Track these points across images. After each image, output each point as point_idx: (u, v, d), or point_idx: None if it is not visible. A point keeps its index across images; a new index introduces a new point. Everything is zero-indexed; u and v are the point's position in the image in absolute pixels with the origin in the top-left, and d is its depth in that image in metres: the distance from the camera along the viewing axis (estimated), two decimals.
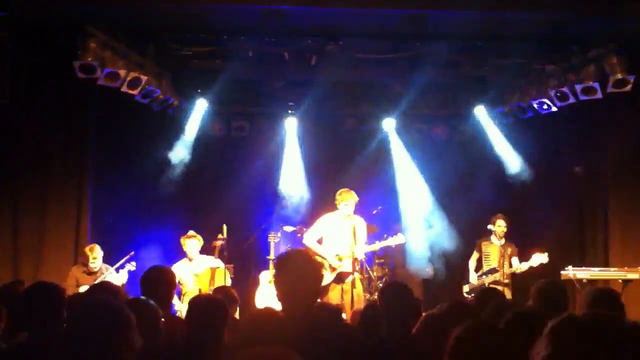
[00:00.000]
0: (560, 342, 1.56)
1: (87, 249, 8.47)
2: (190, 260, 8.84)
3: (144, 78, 8.48)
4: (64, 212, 8.90)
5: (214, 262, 8.70)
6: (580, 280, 8.34)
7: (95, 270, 8.39)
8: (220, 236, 8.71)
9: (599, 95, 8.55)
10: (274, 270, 3.51)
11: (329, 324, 3.55)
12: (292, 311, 3.20)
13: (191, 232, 8.98)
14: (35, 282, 4.35)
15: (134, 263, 8.54)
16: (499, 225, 9.14)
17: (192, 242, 8.86)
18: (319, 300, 3.84)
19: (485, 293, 5.08)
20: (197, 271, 8.71)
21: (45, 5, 7.57)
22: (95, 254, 8.38)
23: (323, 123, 10.98)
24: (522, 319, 2.65)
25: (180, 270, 8.51)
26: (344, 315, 7.38)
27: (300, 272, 3.29)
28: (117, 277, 8.38)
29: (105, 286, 4.90)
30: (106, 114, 9.39)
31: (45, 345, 3.40)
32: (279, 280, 3.38)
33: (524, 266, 8.83)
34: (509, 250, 9.08)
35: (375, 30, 8.53)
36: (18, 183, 8.80)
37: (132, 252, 8.69)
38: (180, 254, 9.07)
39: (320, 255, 8.45)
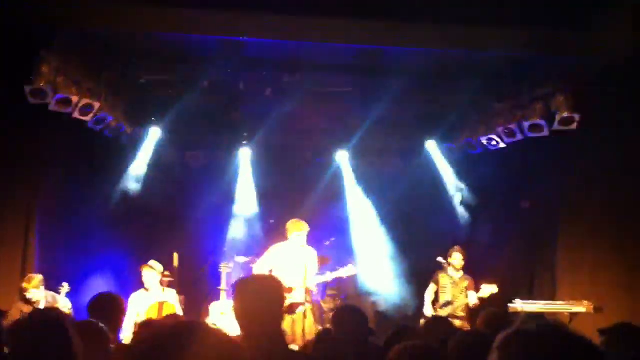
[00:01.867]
0: (509, 355, 1.60)
1: (24, 281, 8.18)
2: (147, 290, 8.55)
3: (97, 105, 8.39)
4: (10, 240, 8.66)
5: (169, 294, 8.50)
6: (528, 314, 8.46)
7: (35, 300, 8.07)
8: (167, 273, 8.55)
9: (546, 132, 8.78)
10: (232, 295, 3.30)
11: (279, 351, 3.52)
12: (252, 338, 3.11)
13: (151, 263, 8.60)
14: None
15: (65, 284, 8.24)
16: (455, 258, 9.24)
17: (148, 273, 8.58)
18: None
19: (432, 322, 5.14)
20: (152, 302, 8.47)
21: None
22: (34, 284, 8.05)
23: (277, 154, 11.04)
24: (469, 341, 2.71)
25: (137, 300, 8.29)
26: (294, 347, 7.34)
27: (262, 295, 3.16)
28: (61, 302, 8.10)
29: (44, 311, 4.79)
30: (57, 138, 9.22)
31: None
32: (239, 305, 3.20)
33: (473, 298, 8.92)
34: (466, 283, 9.15)
35: (330, 63, 8.66)
36: None
37: (64, 283, 8.35)
38: (130, 281, 8.90)
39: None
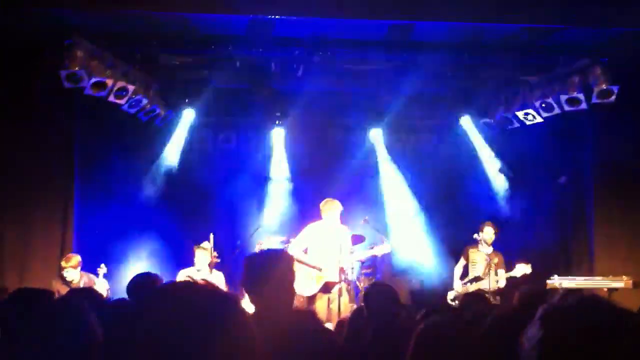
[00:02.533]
0: (552, 325, 1.57)
1: (63, 260, 8.36)
2: (198, 270, 8.69)
3: (131, 87, 8.47)
4: (49, 222, 8.84)
5: (217, 276, 8.63)
6: (565, 289, 8.37)
7: (72, 280, 8.24)
8: (215, 254, 8.67)
9: (584, 106, 8.63)
10: (242, 270, 3.29)
11: (305, 329, 3.53)
12: (266, 314, 3.12)
13: (204, 244, 8.79)
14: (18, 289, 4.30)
15: (103, 265, 8.40)
16: (487, 233, 9.15)
17: (201, 253, 8.70)
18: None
19: (468, 299, 5.10)
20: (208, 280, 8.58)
21: (30, 13, 7.54)
22: (72, 263, 8.23)
23: (310, 133, 11.00)
24: (504, 319, 2.67)
25: (186, 276, 8.42)
26: (329, 325, 7.37)
27: (270, 269, 3.16)
28: (99, 284, 8.25)
29: (79, 290, 4.88)
30: (92, 122, 9.35)
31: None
32: (250, 282, 3.20)
33: (502, 280, 8.83)
34: (496, 259, 9.07)
35: (362, 40, 8.59)
36: (2, 192, 8.73)
37: (102, 264, 8.49)
38: (167, 262, 9.02)
39: (307, 265, 8.44)
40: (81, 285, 8.10)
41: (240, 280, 3.26)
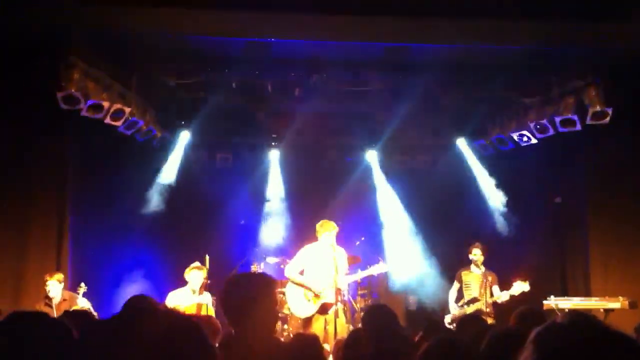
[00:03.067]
0: (545, 348, 1.59)
1: (47, 275, 8.24)
2: (193, 291, 8.59)
3: (127, 109, 8.49)
4: (45, 240, 8.78)
5: (206, 296, 8.56)
6: (562, 310, 8.36)
7: (54, 298, 8.09)
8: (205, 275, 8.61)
9: (578, 127, 8.68)
10: (222, 292, 3.26)
11: (308, 355, 3.52)
12: (245, 334, 3.09)
13: (197, 264, 8.63)
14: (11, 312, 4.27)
15: (82, 284, 8.26)
16: (475, 254, 9.17)
17: (197, 274, 8.51)
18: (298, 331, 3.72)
19: (465, 320, 5.09)
20: (191, 302, 8.50)
21: (26, 31, 7.55)
22: (57, 277, 8.06)
23: (306, 154, 11.04)
24: (502, 338, 2.68)
25: (176, 299, 8.35)
26: (326, 346, 7.34)
27: (250, 292, 3.13)
28: (80, 302, 8.09)
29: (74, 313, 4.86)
30: (88, 141, 9.33)
31: None
32: (228, 305, 3.17)
33: (504, 295, 8.83)
34: (490, 278, 9.08)
35: (358, 62, 8.64)
36: None
37: (82, 284, 8.40)
38: (162, 283, 8.98)
39: (303, 286, 8.42)
40: (60, 303, 7.97)
41: (220, 304, 3.22)
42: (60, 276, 8.15)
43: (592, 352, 1.52)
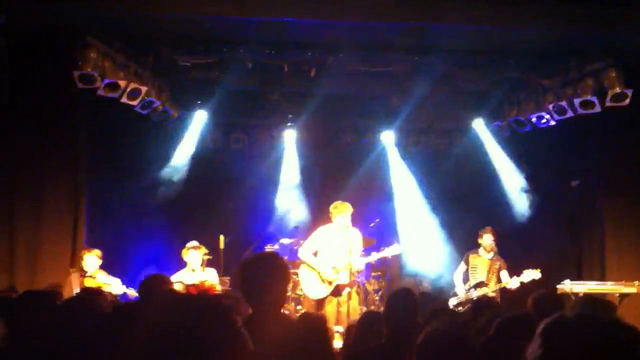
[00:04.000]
0: (552, 342, 1.58)
1: (85, 251, 8.47)
2: (192, 271, 8.70)
3: (144, 89, 8.50)
4: (60, 220, 8.81)
5: (210, 273, 8.63)
6: (576, 294, 8.31)
7: (89, 272, 8.30)
8: (206, 251, 8.68)
9: (597, 109, 8.57)
10: (238, 273, 3.37)
11: (313, 335, 3.55)
12: (262, 314, 3.17)
13: (194, 243, 8.82)
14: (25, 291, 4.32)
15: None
16: (486, 239, 9.12)
17: (194, 254, 8.73)
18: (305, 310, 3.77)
19: (479, 304, 5.07)
20: (194, 281, 8.60)
21: (43, 14, 7.56)
22: (95, 253, 8.37)
23: (321, 135, 11.02)
24: (514, 323, 2.67)
25: (181, 279, 8.43)
26: (339, 328, 7.37)
27: (269, 273, 3.24)
28: (115, 285, 8.25)
29: (89, 290, 4.93)
30: (104, 123, 9.37)
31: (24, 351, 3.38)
32: (246, 284, 3.27)
33: (514, 282, 8.77)
34: (498, 264, 9.04)
35: (374, 43, 8.57)
36: (13, 190, 8.72)
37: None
38: (177, 263, 9.04)
39: (315, 269, 8.44)
40: (99, 281, 8.14)
41: (238, 283, 3.30)
42: (97, 252, 8.42)
43: (598, 350, 1.51)
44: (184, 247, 8.77)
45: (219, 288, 8.28)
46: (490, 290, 8.84)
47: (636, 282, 8.33)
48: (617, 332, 1.55)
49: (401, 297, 4.45)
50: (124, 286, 8.25)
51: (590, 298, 4.09)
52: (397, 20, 7.83)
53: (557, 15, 7.73)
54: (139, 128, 9.69)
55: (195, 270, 8.59)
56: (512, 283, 8.79)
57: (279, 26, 7.91)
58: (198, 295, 1.70)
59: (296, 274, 8.74)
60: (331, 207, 8.64)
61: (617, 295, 8.33)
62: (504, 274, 8.99)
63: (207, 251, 8.74)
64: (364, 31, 8.25)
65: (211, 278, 8.52)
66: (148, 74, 8.69)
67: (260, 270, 3.27)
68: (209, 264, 8.85)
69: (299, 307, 9.41)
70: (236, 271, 3.31)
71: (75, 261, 8.63)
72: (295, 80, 9.54)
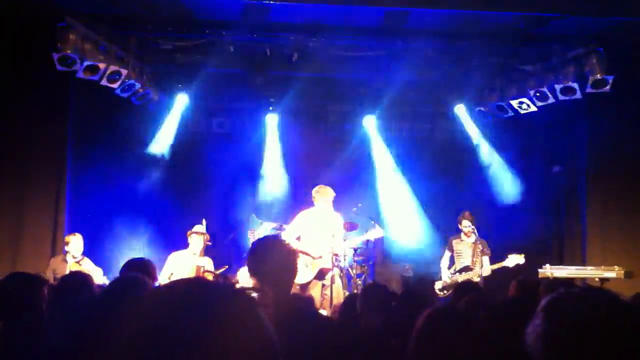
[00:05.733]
0: (555, 317, 1.58)
1: (68, 235, 8.42)
2: (193, 254, 8.71)
3: (124, 72, 8.42)
4: (41, 205, 8.77)
5: (206, 261, 8.66)
6: (557, 279, 8.38)
7: (74, 256, 8.27)
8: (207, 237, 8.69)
9: (578, 95, 8.63)
10: (251, 253, 3.41)
11: (304, 313, 3.56)
12: (273, 296, 3.20)
13: (198, 228, 8.77)
14: (10, 273, 4.28)
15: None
16: (465, 225, 9.16)
17: (198, 238, 8.70)
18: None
19: (460, 287, 5.11)
20: (192, 265, 8.62)
21: None
22: (78, 237, 8.31)
23: (304, 119, 10.99)
24: (503, 307, 2.68)
25: (176, 261, 8.49)
26: (324, 312, 7.38)
27: (279, 256, 3.29)
28: (96, 273, 8.20)
29: (75, 274, 4.89)
30: (85, 106, 9.27)
31: (17, 335, 3.36)
32: (257, 267, 3.31)
33: (486, 269, 8.84)
34: (480, 247, 9.08)
35: (357, 27, 8.54)
36: None
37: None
38: (159, 247, 9.02)
39: (301, 252, 8.43)
40: (84, 267, 8.08)
41: (247, 262, 3.37)
42: (80, 237, 8.35)
43: (604, 324, 1.51)
44: (165, 232, 8.78)
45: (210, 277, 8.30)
46: (475, 275, 8.89)
47: (616, 267, 8.41)
48: (622, 307, 1.56)
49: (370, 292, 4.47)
50: (105, 277, 8.20)
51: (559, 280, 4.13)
52: (381, 4, 7.80)
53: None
54: (122, 110, 9.59)
55: (195, 254, 8.63)
56: (484, 269, 8.82)
57: (262, 9, 7.86)
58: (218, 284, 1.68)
59: None
60: (313, 191, 8.62)
61: (598, 279, 8.41)
62: (486, 259, 9.02)
63: (209, 238, 8.75)
64: (346, 15, 8.21)
65: (208, 265, 8.58)
66: (129, 57, 8.60)
67: (279, 254, 3.33)
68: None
69: None
70: (249, 253, 3.33)
71: (57, 249, 8.58)
72: (278, 64, 9.48)
